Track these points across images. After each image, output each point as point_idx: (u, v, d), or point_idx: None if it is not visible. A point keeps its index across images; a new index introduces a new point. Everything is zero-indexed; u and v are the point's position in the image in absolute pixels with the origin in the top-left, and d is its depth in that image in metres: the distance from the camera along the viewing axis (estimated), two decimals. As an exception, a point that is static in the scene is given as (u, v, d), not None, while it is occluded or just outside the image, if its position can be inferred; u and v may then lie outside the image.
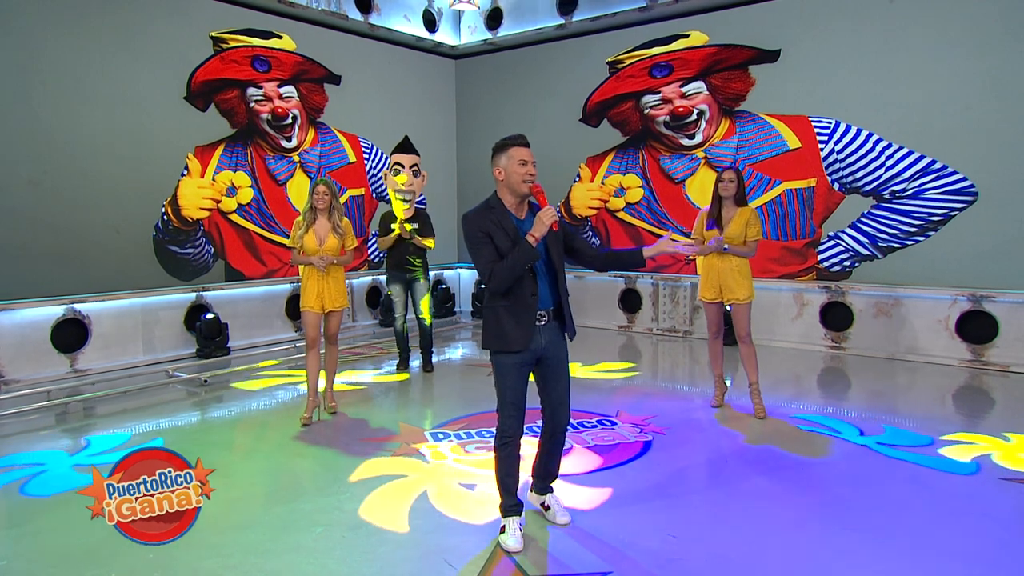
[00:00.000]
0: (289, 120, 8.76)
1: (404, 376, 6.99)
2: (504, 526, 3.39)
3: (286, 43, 8.67)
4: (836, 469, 4.39)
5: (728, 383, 5.87)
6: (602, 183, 9.59)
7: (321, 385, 5.60)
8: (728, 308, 5.49)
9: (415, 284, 6.90)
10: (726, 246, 5.20)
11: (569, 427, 3.64)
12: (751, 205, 5.40)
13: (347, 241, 5.40)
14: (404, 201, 6.78)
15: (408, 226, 6.65)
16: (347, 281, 9.27)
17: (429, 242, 6.80)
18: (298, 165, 8.89)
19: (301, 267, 5.42)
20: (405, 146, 7.07)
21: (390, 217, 6.87)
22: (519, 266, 3.17)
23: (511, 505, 3.40)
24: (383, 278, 9.72)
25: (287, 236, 8.49)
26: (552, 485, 3.70)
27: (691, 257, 8.87)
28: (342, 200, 9.34)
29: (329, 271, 5.33)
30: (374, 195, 9.85)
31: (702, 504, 3.91)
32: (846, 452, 4.65)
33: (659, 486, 4.12)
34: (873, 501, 3.88)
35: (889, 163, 7.48)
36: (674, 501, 3.92)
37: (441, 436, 5.00)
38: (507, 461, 3.38)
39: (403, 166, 6.90)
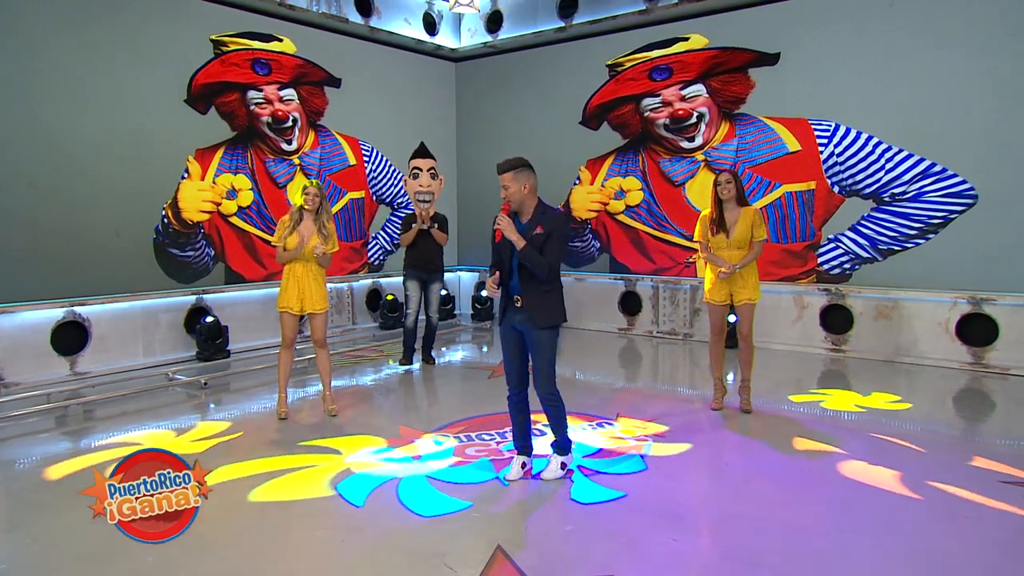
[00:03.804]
0: (289, 123, 8.77)
1: (405, 371, 7.24)
2: (512, 460, 4.32)
3: (286, 46, 8.68)
4: (835, 470, 4.38)
5: (728, 385, 5.87)
6: (602, 186, 9.60)
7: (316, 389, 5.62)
8: (733, 315, 5.54)
9: (431, 285, 7.18)
10: (737, 267, 5.25)
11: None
12: (754, 205, 5.43)
13: (330, 244, 5.39)
14: (423, 202, 7.26)
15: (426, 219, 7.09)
16: (347, 284, 9.34)
17: (443, 236, 7.15)
18: (298, 168, 8.89)
19: (283, 268, 5.43)
20: (421, 151, 7.52)
21: (412, 218, 7.18)
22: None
23: (517, 447, 4.28)
24: (383, 280, 9.76)
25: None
26: (556, 447, 4.25)
27: (690, 260, 8.89)
28: (342, 203, 9.38)
29: (309, 272, 5.35)
30: (374, 198, 9.85)
31: (702, 507, 3.91)
32: (838, 455, 4.65)
33: (659, 489, 4.12)
34: (874, 503, 3.88)
35: (889, 166, 7.48)
36: (674, 503, 3.92)
37: (441, 439, 4.99)
38: (511, 412, 4.21)
39: (421, 169, 7.37)
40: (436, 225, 7.07)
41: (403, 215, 7.45)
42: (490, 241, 4.12)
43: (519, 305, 3.99)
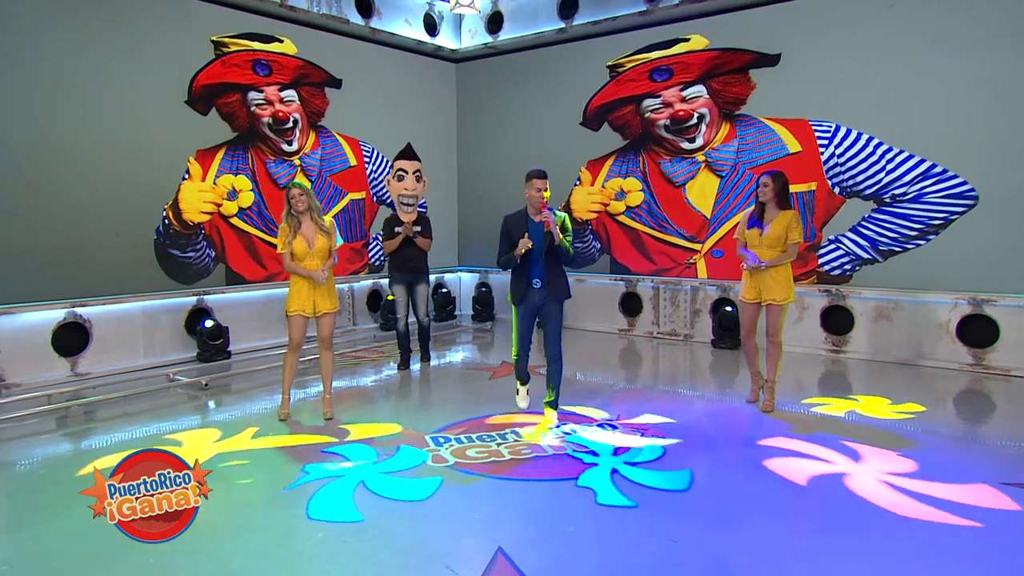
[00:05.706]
0: (290, 124, 8.78)
1: (405, 372, 7.23)
2: (517, 389, 5.64)
3: (287, 47, 8.69)
4: (838, 472, 4.38)
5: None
6: (602, 187, 9.60)
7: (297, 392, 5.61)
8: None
9: (417, 287, 7.11)
10: (763, 264, 5.36)
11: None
12: (792, 210, 5.47)
13: (334, 239, 5.41)
14: (407, 206, 7.13)
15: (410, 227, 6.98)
16: (348, 284, 9.35)
17: (426, 242, 7.06)
18: (299, 169, 8.90)
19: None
20: (408, 152, 7.34)
21: (394, 220, 7.08)
22: (508, 261, 5.17)
23: (521, 379, 5.58)
24: (384, 281, 9.75)
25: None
26: (554, 404, 5.37)
27: (691, 261, 8.89)
28: (342, 204, 9.38)
29: None
30: (375, 199, 9.85)
31: (703, 508, 3.90)
32: (842, 455, 4.64)
33: (659, 489, 4.12)
34: (873, 506, 3.87)
35: (889, 167, 7.48)
36: (675, 504, 3.92)
37: (442, 440, 4.99)
38: (517, 367, 5.52)
39: (406, 172, 7.16)
40: (420, 229, 7.02)
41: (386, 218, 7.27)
42: (526, 229, 5.11)
43: (539, 288, 5.15)
